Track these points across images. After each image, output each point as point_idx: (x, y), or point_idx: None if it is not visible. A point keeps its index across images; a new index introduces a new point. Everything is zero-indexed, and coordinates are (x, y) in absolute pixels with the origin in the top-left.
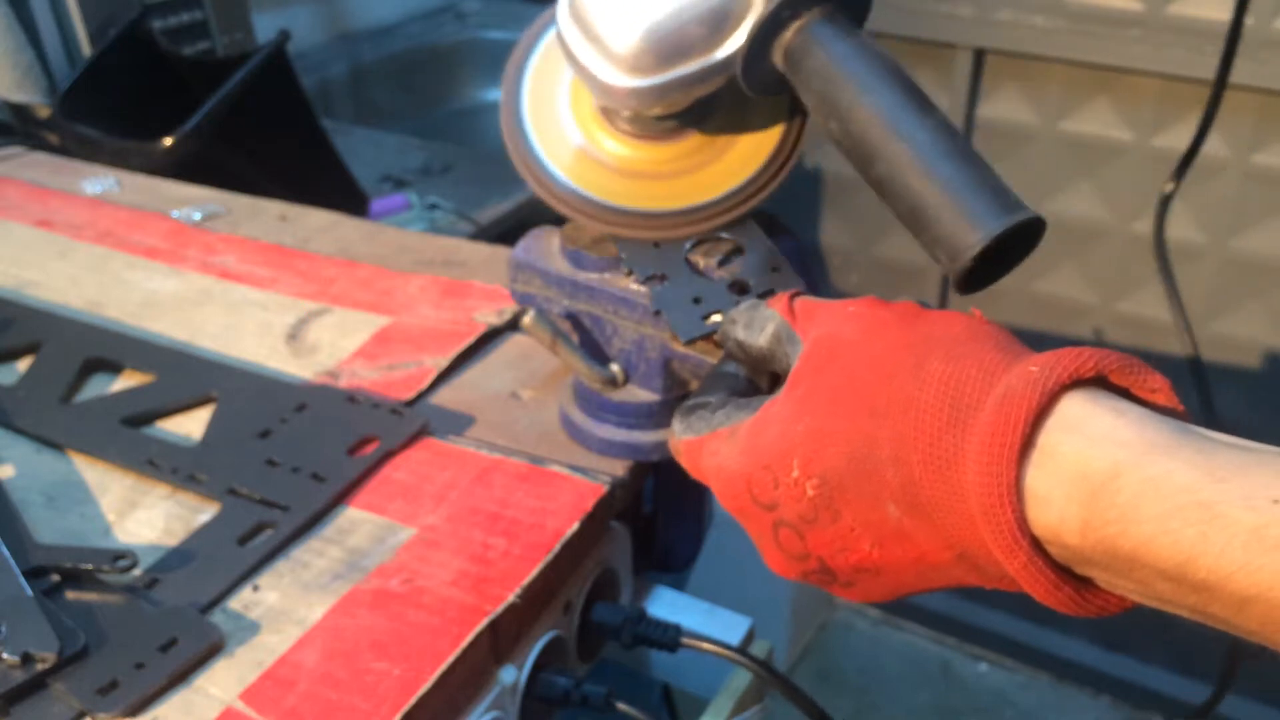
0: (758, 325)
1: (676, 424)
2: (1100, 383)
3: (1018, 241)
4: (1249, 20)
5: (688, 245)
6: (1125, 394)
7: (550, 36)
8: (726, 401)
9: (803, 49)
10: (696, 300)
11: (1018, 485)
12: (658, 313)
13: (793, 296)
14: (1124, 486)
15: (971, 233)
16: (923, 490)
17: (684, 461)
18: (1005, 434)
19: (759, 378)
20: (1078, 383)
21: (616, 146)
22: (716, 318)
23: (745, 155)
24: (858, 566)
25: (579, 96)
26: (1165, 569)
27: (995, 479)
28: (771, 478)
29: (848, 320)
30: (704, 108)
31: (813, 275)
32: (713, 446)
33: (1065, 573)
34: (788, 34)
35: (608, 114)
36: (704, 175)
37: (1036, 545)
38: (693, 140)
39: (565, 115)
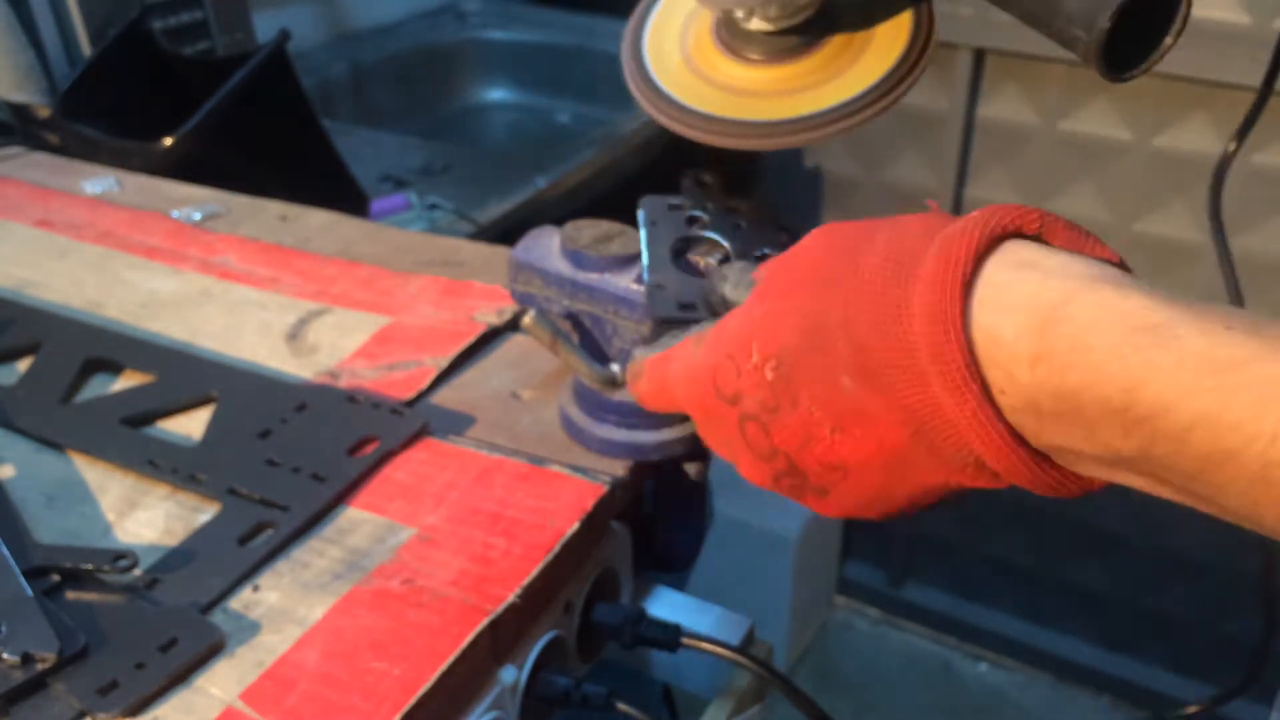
0: (745, 285)
1: (638, 351)
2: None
3: (1159, 12)
4: (1249, 20)
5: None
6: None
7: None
8: (698, 322)
9: None
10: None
11: (964, 319)
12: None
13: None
14: (1074, 314)
15: None
16: (874, 353)
17: (646, 385)
18: (947, 271)
19: None
20: (1023, 235)
21: (745, 72)
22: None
23: (877, 58)
24: (823, 461)
25: (701, 41)
26: (1112, 402)
27: (939, 315)
28: (734, 366)
29: (810, 236)
30: (824, 19)
31: None
32: (679, 353)
33: (1020, 439)
34: None
35: (733, 47)
36: (836, 84)
37: (987, 392)
38: (818, 56)
39: (691, 61)
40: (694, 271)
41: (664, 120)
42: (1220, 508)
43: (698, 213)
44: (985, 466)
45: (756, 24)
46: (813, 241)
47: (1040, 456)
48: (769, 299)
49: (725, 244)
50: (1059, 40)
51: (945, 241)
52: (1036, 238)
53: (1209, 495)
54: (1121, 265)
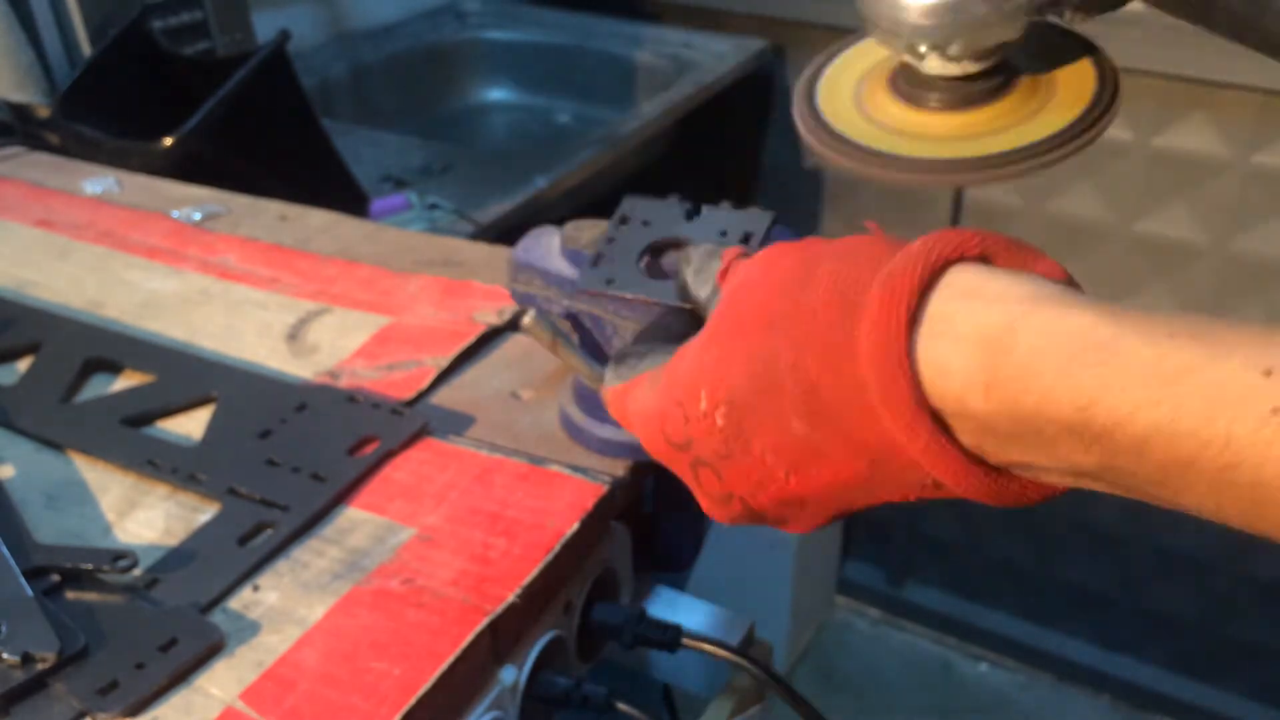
0: (706, 275)
1: (609, 372)
2: (988, 264)
3: None
4: None
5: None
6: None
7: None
8: (654, 349)
9: None
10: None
11: (910, 355)
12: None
13: (739, 255)
14: (1021, 340)
15: None
16: (823, 392)
17: (613, 411)
18: (891, 307)
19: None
20: (967, 260)
21: (924, 118)
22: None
23: (1063, 106)
24: (779, 499)
25: (876, 95)
26: (1068, 421)
27: (886, 352)
28: (682, 414)
29: (753, 264)
30: (1008, 69)
31: None
32: (635, 393)
33: (977, 460)
34: None
35: (911, 96)
36: (1023, 129)
37: (939, 422)
38: (1001, 105)
39: (866, 110)
40: (662, 275)
41: (845, 162)
42: (1187, 508)
43: (688, 205)
44: (945, 485)
45: (936, 67)
46: (759, 274)
47: (1000, 471)
48: (717, 343)
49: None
50: (1267, 47)
51: (888, 277)
52: (981, 257)
53: (1173, 498)
54: (1066, 278)
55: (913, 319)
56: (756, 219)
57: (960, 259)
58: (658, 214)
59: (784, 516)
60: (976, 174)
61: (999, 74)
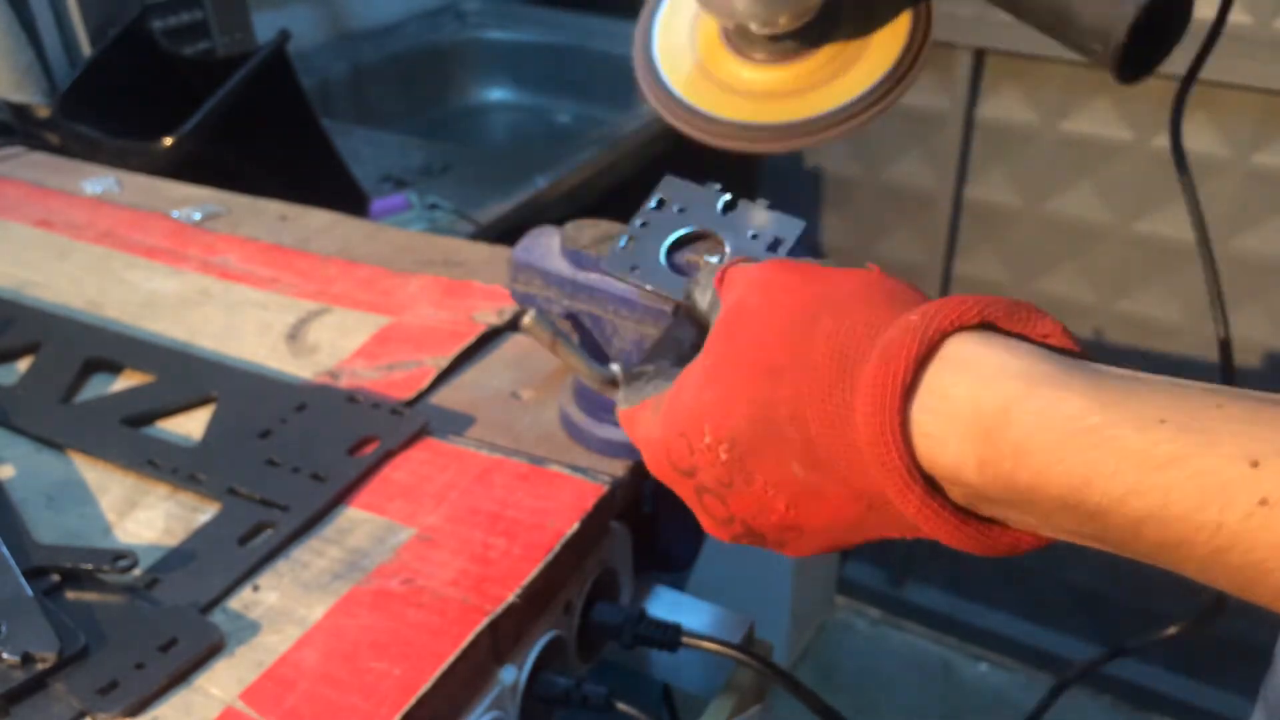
0: (705, 285)
1: (620, 393)
2: (992, 329)
3: (1168, 18)
4: (1249, 20)
5: (668, 241)
6: (1021, 339)
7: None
8: (661, 371)
9: None
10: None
11: (904, 428)
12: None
13: (730, 265)
14: (1015, 421)
15: (1122, 4)
16: (820, 448)
17: (625, 430)
18: (887, 380)
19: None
20: (966, 328)
21: (751, 73)
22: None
23: (877, 57)
24: (780, 526)
25: (708, 38)
26: (1063, 498)
27: (880, 424)
28: (686, 444)
29: (752, 287)
30: (828, 20)
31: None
32: (641, 417)
33: (968, 513)
34: None
35: (740, 49)
36: (838, 85)
37: (931, 486)
38: (823, 54)
39: (700, 61)
40: (683, 271)
41: (675, 122)
42: (1185, 574)
43: (727, 196)
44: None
45: (762, 28)
46: (757, 302)
47: (994, 523)
48: (716, 382)
49: (726, 243)
50: (1076, 50)
51: (886, 348)
52: (981, 324)
53: (1171, 568)
54: (1064, 337)
55: (908, 392)
56: (789, 225)
57: (958, 329)
58: (695, 200)
59: (784, 541)
60: (790, 140)
61: (817, 28)
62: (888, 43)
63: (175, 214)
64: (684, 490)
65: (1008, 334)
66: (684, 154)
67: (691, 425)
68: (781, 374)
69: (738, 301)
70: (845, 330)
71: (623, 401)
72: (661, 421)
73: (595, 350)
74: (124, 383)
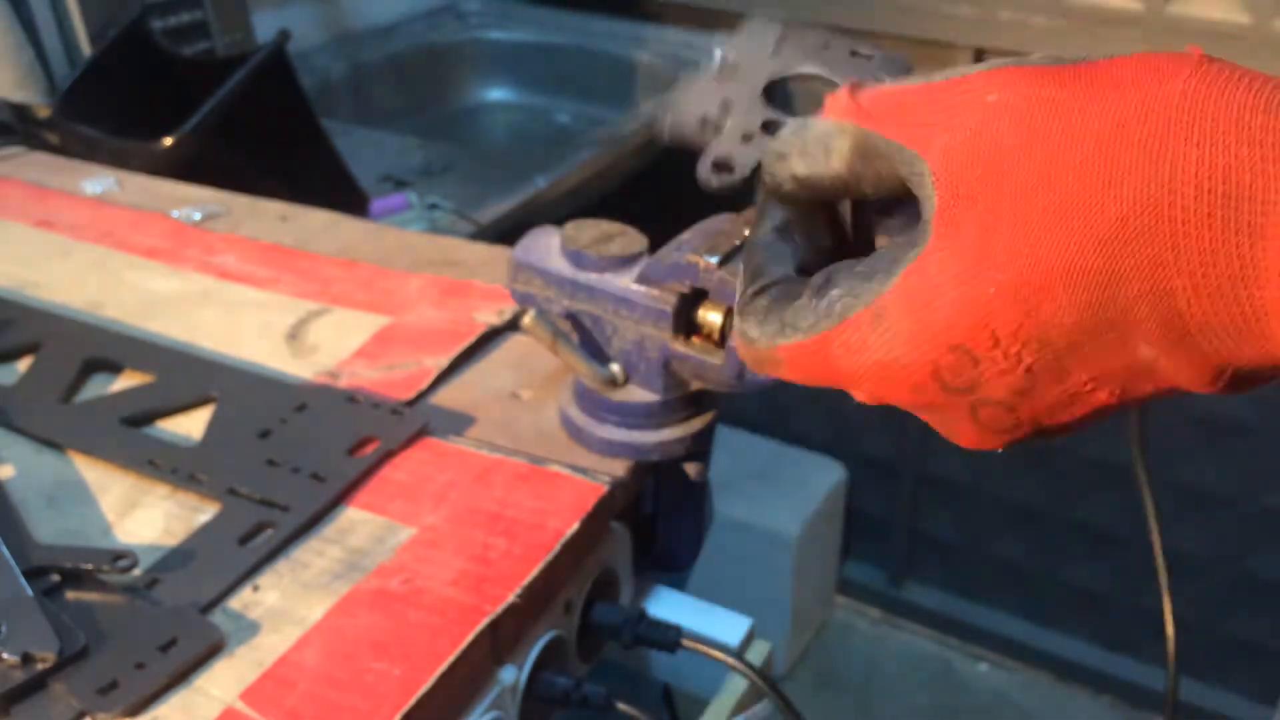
0: (821, 147)
1: (752, 329)
2: None
3: None
4: (1249, 20)
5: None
6: None
7: None
8: (830, 278)
9: None
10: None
11: None
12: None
13: (852, 90)
14: None
15: None
16: (1193, 319)
17: (790, 372)
18: None
19: (815, 228)
20: None
21: None
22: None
23: None
24: (1086, 419)
25: None
26: None
27: None
28: (968, 357)
29: (993, 116)
30: None
31: None
32: (850, 340)
33: None
34: None
35: None
36: None
37: None
38: None
39: None
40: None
41: None
42: None
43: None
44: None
45: None
46: (1024, 156)
47: None
48: (998, 268)
49: (837, 81)
50: None
51: None
52: None
53: None
54: None
55: None
56: (896, 64)
57: None
58: (781, 46)
59: (1068, 428)
60: None
61: None
62: None
63: (175, 214)
64: (952, 409)
65: None
66: (684, 154)
67: (972, 333)
68: (1121, 239)
69: (975, 144)
70: (1219, 162)
71: (777, 334)
72: (911, 336)
73: (595, 350)
74: (124, 383)
